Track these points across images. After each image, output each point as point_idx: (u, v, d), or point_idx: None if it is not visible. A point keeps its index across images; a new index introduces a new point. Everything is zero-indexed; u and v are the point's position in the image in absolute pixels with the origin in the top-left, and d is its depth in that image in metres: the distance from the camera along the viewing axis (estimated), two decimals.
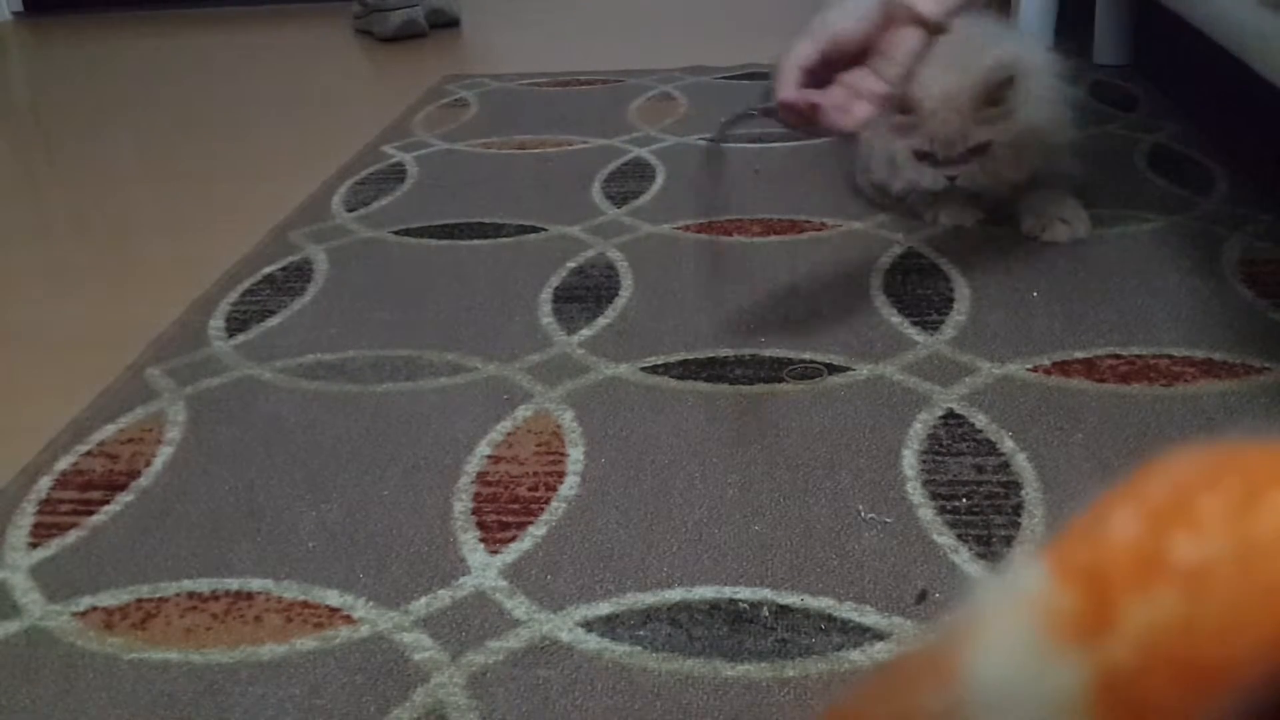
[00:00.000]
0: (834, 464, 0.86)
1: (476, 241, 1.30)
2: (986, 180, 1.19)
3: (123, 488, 0.89)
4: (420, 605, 0.75)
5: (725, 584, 0.75)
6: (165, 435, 0.96)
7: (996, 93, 1.14)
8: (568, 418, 0.94)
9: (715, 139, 1.30)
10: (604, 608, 0.73)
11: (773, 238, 1.26)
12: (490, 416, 0.95)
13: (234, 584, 0.78)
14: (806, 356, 1.01)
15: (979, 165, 1.18)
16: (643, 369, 1.01)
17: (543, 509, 0.83)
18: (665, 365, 1.01)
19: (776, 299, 1.12)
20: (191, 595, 0.77)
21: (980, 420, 0.90)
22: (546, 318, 1.11)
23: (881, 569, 0.75)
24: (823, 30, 0.89)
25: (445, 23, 2.43)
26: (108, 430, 0.97)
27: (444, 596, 0.75)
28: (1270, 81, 1.03)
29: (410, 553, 0.80)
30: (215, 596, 0.77)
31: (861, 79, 0.89)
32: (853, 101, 0.89)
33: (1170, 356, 0.98)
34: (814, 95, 0.89)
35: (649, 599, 0.74)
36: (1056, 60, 1.25)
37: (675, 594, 0.74)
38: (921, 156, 1.18)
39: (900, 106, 1.13)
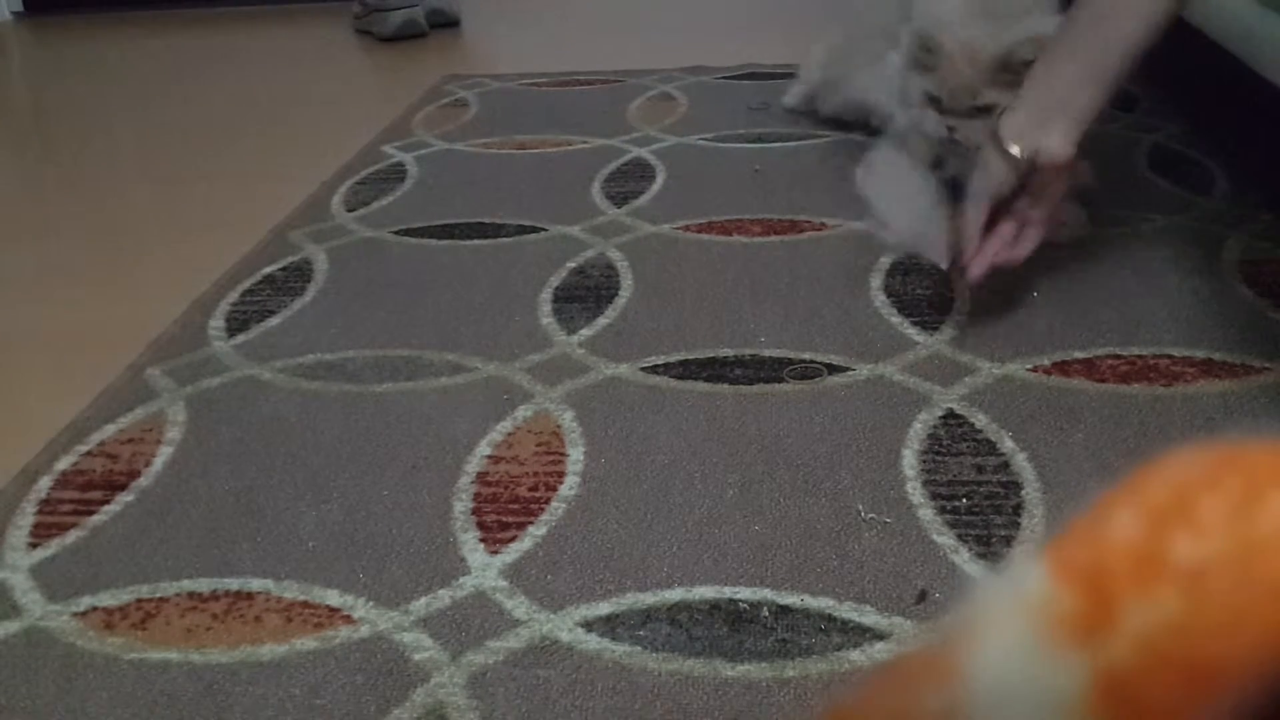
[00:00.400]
0: (834, 464, 0.86)
1: (476, 241, 1.30)
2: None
3: (123, 488, 0.89)
4: (420, 605, 0.75)
5: (725, 584, 0.75)
6: (165, 435, 0.96)
7: (1019, 66, 1.10)
8: (568, 418, 0.94)
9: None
10: (604, 608, 0.73)
11: (773, 238, 1.26)
12: (490, 416, 0.95)
13: (234, 584, 0.78)
14: (806, 356, 1.01)
15: (982, 126, 1.16)
16: (643, 369, 1.01)
17: (543, 509, 0.83)
18: (665, 365, 1.01)
19: (776, 299, 1.12)
20: (191, 595, 0.77)
21: (980, 420, 0.90)
22: (546, 318, 1.11)
23: (881, 569, 0.75)
24: (983, 192, 1.02)
25: (445, 23, 2.42)
26: (108, 430, 0.97)
27: (444, 596, 0.75)
28: (1270, 81, 1.03)
29: (410, 553, 0.80)
30: (215, 596, 0.77)
31: (1024, 209, 1.03)
32: (1021, 231, 1.04)
33: (1170, 356, 0.98)
34: (996, 253, 1.03)
35: (649, 599, 0.74)
36: None
37: (675, 594, 0.74)
38: (931, 100, 1.15)
39: (922, 44, 1.11)
